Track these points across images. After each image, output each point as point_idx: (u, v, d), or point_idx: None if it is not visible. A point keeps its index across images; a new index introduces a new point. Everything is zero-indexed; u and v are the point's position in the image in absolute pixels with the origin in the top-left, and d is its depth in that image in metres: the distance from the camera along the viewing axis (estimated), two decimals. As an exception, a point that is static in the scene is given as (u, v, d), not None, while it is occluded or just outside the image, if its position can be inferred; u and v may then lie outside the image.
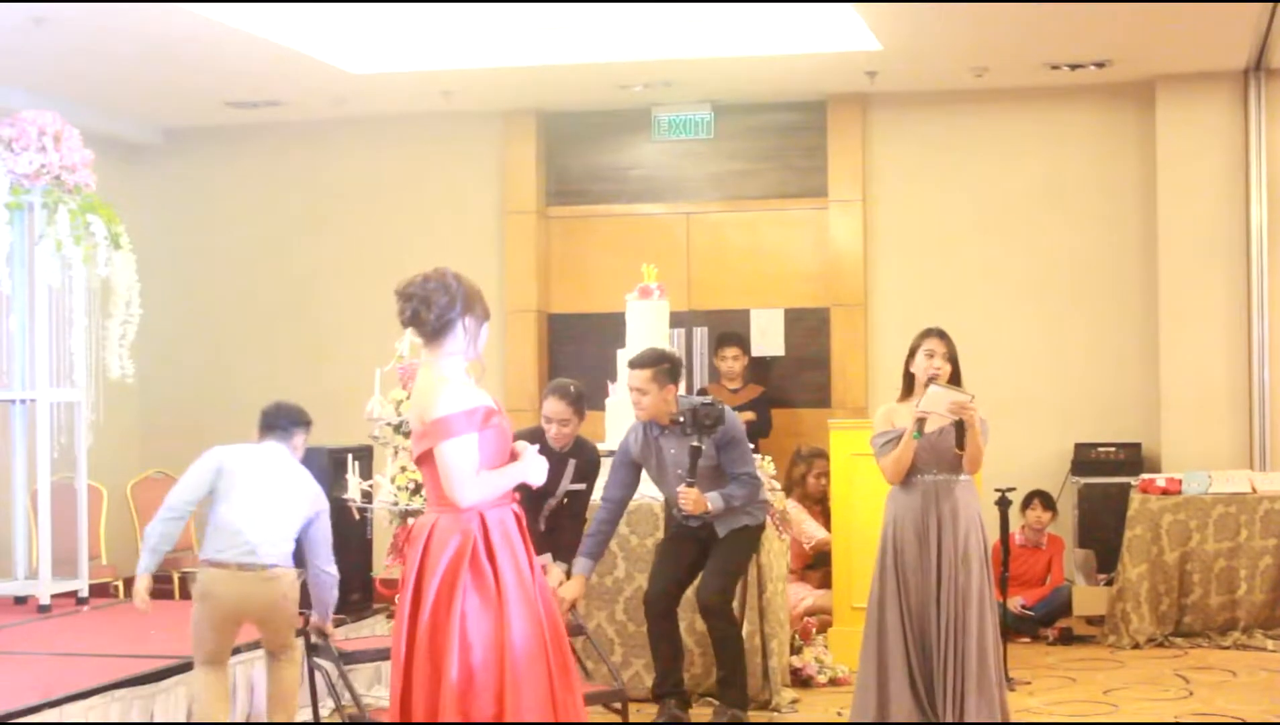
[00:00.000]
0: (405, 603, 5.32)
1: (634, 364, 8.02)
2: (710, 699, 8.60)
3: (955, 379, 7.15)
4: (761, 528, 8.30)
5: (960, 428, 7.03)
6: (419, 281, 5.37)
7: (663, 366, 7.91)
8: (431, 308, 5.34)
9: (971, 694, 6.96)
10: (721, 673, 8.13)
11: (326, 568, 7.22)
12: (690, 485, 7.84)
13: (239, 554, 7.06)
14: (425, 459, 5.36)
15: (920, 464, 7.10)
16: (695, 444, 7.83)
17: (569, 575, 7.86)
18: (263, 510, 7.12)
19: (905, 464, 7.10)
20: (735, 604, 8.52)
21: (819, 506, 10.38)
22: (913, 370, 7.21)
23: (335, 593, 7.27)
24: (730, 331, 11.91)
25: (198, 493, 7.23)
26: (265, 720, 7.54)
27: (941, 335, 7.20)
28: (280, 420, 7.39)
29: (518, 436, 8.39)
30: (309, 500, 7.22)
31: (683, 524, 8.13)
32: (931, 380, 7.08)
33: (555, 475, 7.53)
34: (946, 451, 7.10)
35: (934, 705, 7.00)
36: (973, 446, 7.02)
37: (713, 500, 7.88)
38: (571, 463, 8.07)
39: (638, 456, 8.09)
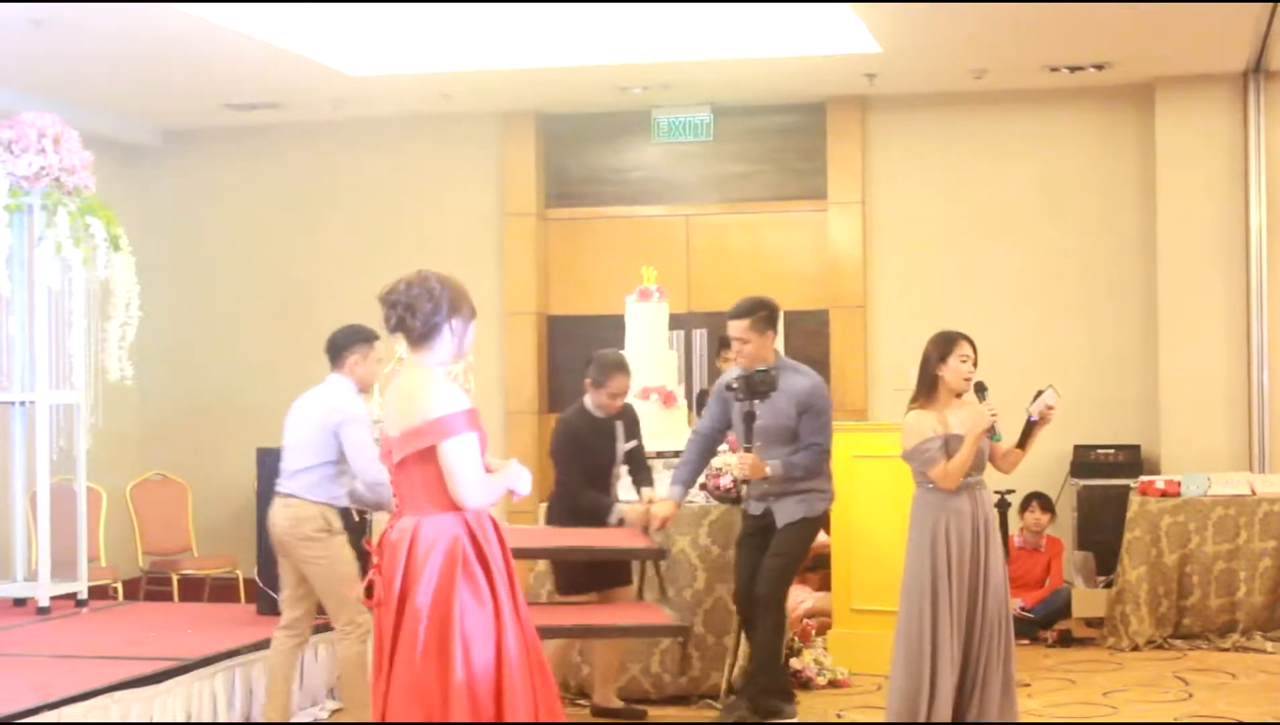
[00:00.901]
0: (389, 612, 5.20)
1: (732, 315, 8.11)
2: (709, 700, 8.60)
3: None
4: (820, 520, 8.28)
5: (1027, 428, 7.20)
6: (402, 287, 5.34)
7: (760, 313, 8.04)
8: (416, 314, 5.31)
9: (1001, 696, 7.01)
10: (754, 665, 8.16)
11: (364, 475, 7.32)
12: (747, 450, 7.91)
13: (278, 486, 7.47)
14: (412, 459, 5.24)
15: (969, 469, 7.09)
16: (749, 410, 7.92)
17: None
18: (287, 443, 7.47)
19: (968, 468, 7.05)
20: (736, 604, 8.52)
21: None
22: (942, 374, 7.11)
23: (384, 492, 7.15)
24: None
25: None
26: (263, 722, 7.54)
27: (970, 339, 7.20)
28: (330, 350, 7.57)
29: (563, 422, 8.62)
30: (319, 423, 7.38)
31: (748, 515, 8.22)
32: (980, 385, 7.12)
33: (611, 442, 8.29)
34: (984, 454, 7.14)
35: (979, 708, 6.99)
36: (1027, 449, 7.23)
37: (772, 466, 7.91)
38: (619, 425, 8.34)
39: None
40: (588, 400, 8.35)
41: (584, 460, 8.29)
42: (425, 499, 5.25)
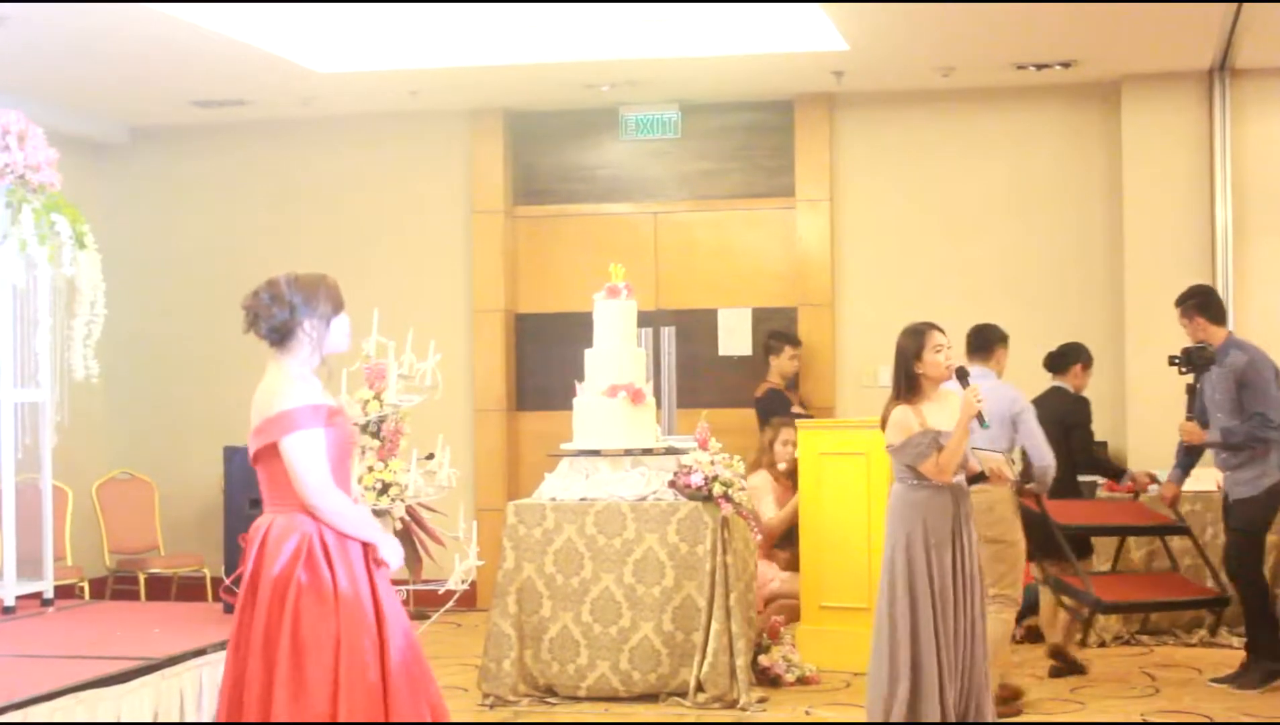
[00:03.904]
0: (239, 605, 5.30)
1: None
2: (677, 697, 8.61)
3: None
4: (1273, 493, 8.88)
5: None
6: (252, 295, 5.45)
7: (1188, 302, 9.02)
8: (265, 320, 5.40)
9: (984, 693, 7.03)
10: (1248, 635, 9.00)
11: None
12: (1189, 419, 9.00)
13: None
14: (262, 456, 5.32)
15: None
16: (1190, 383, 8.93)
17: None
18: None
19: (960, 460, 7.00)
20: (704, 602, 8.55)
21: (790, 479, 10.32)
22: (921, 370, 7.05)
23: None
24: (779, 329, 11.85)
25: None
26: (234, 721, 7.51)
27: (940, 328, 7.14)
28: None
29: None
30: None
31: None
32: (961, 370, 7.07)
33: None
34: (966, 450, 7.08)
35: (963, 707, 6.98)
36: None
37: (1210, 433, 8.92)
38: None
39: None
40: (1064, 383, 9.61)
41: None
42: (278, 496, 5.34)
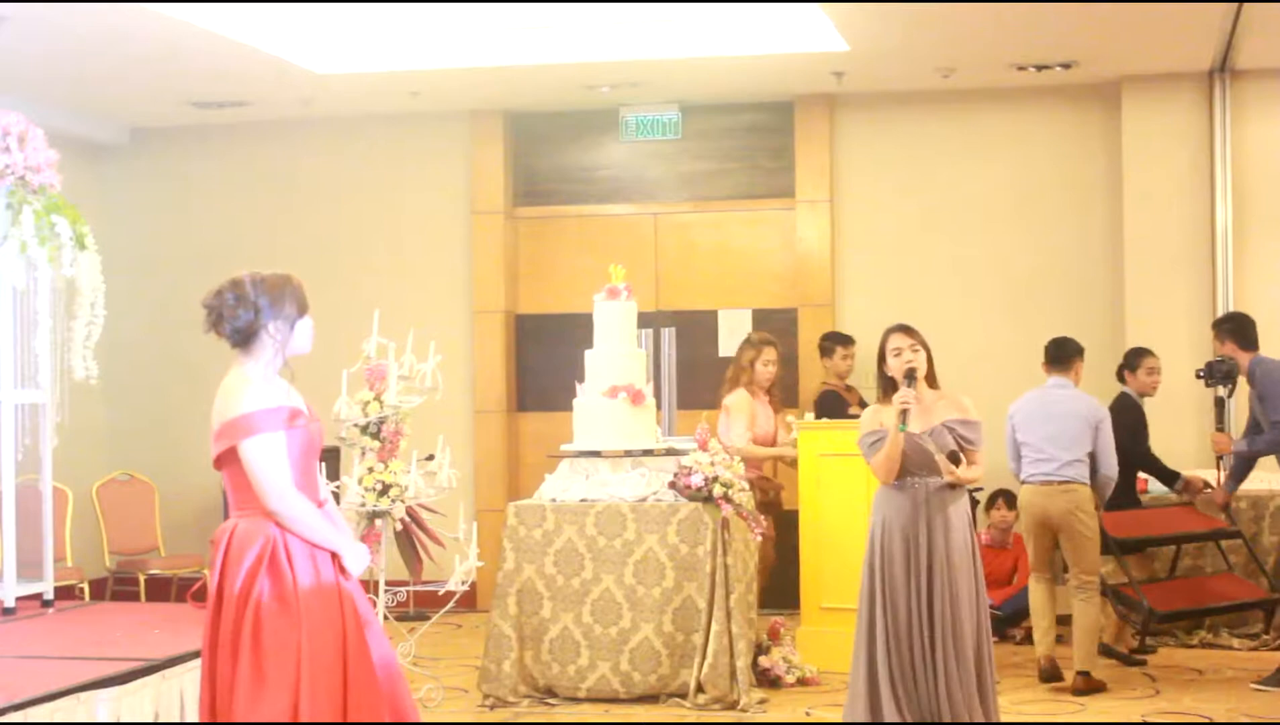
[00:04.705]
0: (209, 609, 5.31)
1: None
2: (677, 698, 8.61)
3: (929, 366, 7.14)
4: None
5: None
6: (214, 295, 5.43)
7: (1225, 326, 9.48)
8: (227, 321, 5.38)
9: (974, 698, 6.97)
10: None
11: None
12: (1219, 431, 9.56)
13: None
14: (224, 460, 5.30)
15: (911, 467, 6.99)
16: (1217, 396, 9.39)
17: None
18: None
19: (895, 462, 6.98)
20: (704, 603, 8.55)
21: (768, 395, 10.26)
22: (888, 372, 7.11)
23: None
24: (834, 331, 11.81)
25: None
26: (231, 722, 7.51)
27: (904, 329, 7.13)
28: None
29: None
30: None
31: None
32: (910, 372, 7.02)
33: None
34: (925, 452, 7.00)
35: (934, 708, 6.95)
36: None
37: (1238, 444, 9.35)
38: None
39: None
40: (1129, 388, 10.07)
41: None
42: (242, 500, 5.34)
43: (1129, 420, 9.87)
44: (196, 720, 7.48)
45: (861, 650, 7.07)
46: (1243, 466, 9.74)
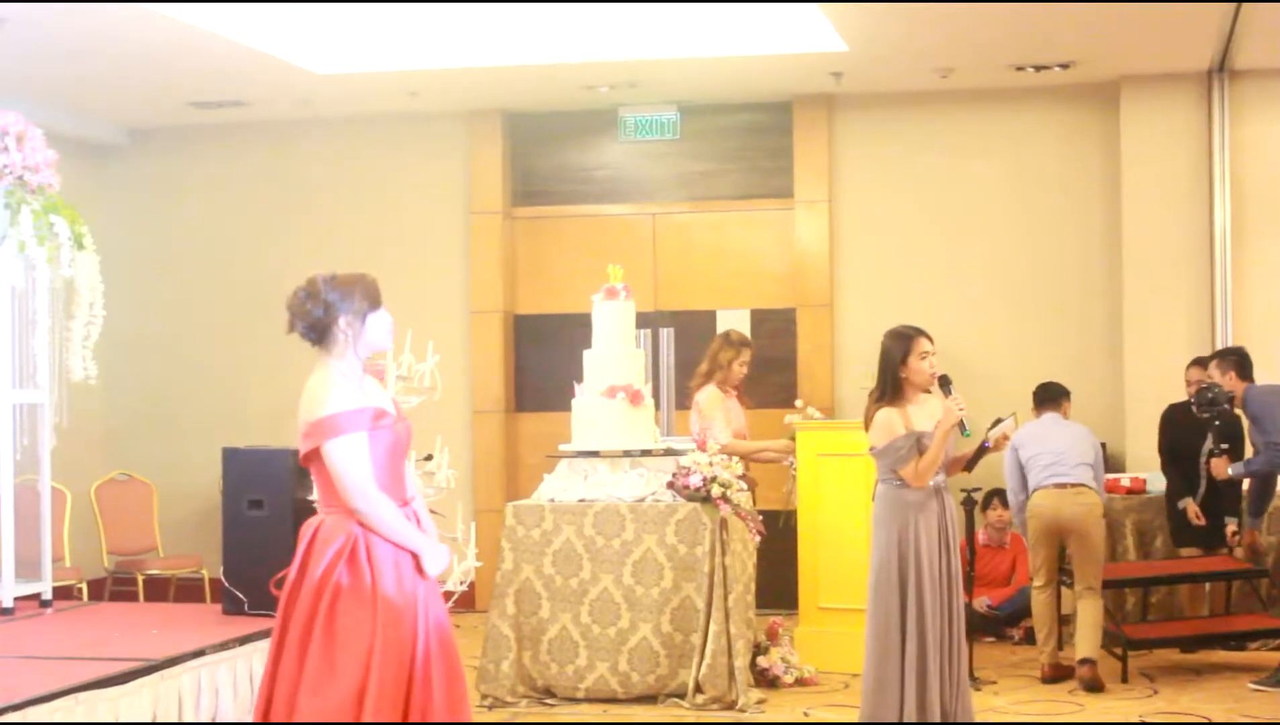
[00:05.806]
0: (283, 602, 5.38)
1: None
2: (676, 699, 8.61)
3: None
4: None
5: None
6: (291, 295, 5.48)
7: (1230, 357, 9.40)
8: (302, 319, 5.43)
9: (965, 692, 7.04)
10: None
11: None
12: (1216, 455, 9.43)
13: None
14: (311, 459, 5.37)
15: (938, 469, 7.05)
16: (1206, 417, 9.30)
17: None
18: None
19: (939, 465, 7.00)
20: (702, 603, 8.55)
21: (735, 391, 10.16)
22: (905, 375, 7.04)
23: None
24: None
25: None
26: (229, 722, 7.52)
27: (927, 334, 7.15)
28: None
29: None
30: None
31: None
32: (945, 378, 7.03)
33: None
34: (948, 454, 7.07)
35: (953, 708, 6.97)
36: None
37: (1234, 468, 9.24)
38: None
39: None
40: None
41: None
42: (328, 498, 5.39)
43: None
44: (201, 721, 7.53)
45: (897, 655, 6.94)
46: (1257, 498, 9.43)
